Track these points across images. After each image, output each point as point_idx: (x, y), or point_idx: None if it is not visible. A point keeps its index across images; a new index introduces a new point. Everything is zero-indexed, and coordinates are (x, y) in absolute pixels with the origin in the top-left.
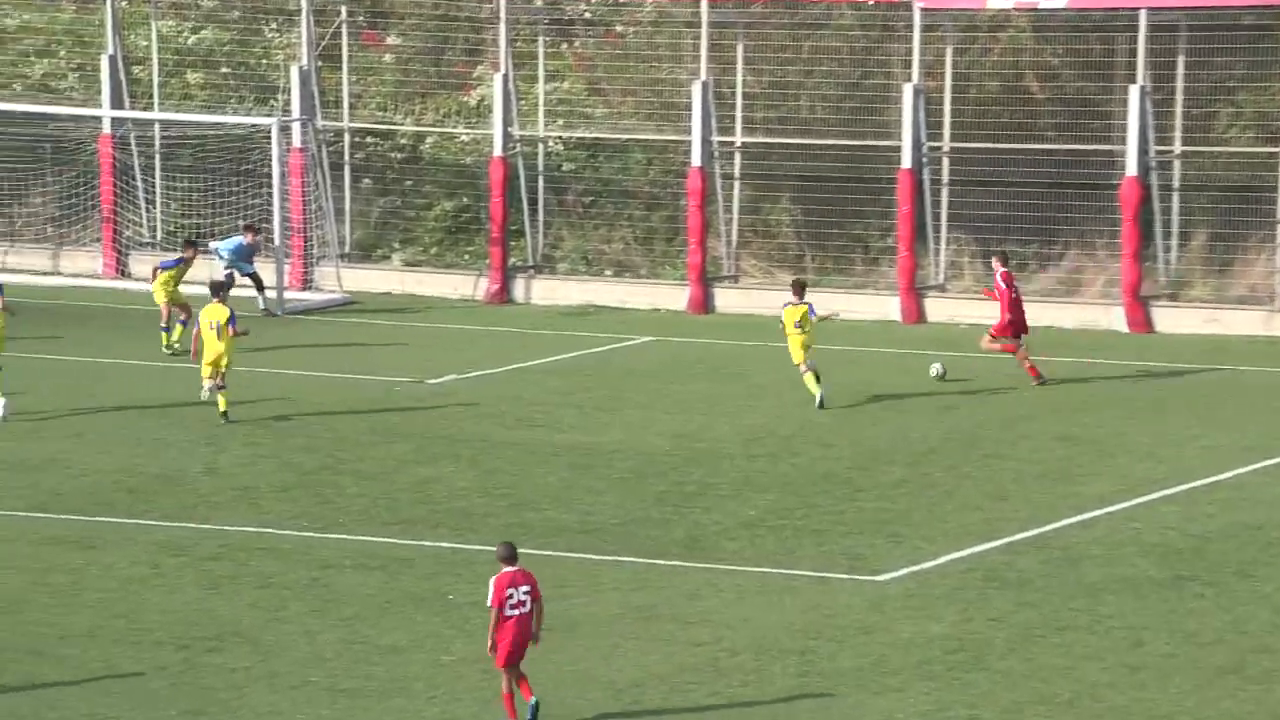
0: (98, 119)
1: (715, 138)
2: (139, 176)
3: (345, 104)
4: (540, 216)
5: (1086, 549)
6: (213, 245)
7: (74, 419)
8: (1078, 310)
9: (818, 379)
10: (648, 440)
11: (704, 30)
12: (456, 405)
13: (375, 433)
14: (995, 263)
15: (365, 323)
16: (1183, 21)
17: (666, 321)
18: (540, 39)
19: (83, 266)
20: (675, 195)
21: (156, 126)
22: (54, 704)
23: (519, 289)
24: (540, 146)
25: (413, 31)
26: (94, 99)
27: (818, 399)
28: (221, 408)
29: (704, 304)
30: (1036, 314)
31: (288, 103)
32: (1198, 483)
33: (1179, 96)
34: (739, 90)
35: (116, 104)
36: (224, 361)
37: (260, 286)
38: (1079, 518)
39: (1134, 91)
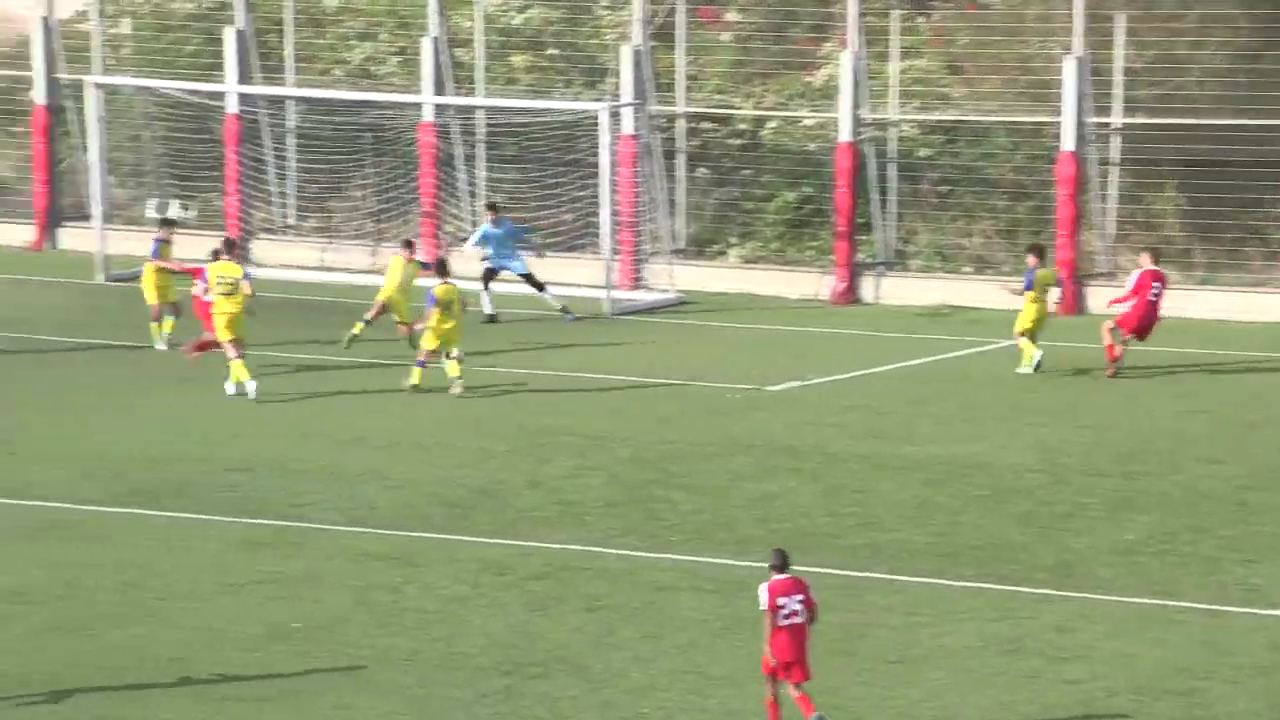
0: (418, 106)
1: (1090, 119)
2: (460, 167)
3: (680, 87)
4: (891, 208)
5: None
6: (466, 249)
7: (391, 427)
8: None
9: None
10: (1010, 454)
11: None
12: (798, 414)
13: (710, 444)
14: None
15: (699, 324)
16: None
17: None
18: (894, 12)
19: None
20: (1044, 184)
21: (480, 113)
22: None
23: (867, 288)
24: (892, 131)
25: (754, 7)
26: (415, 85)
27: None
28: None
29: (1075, 304)
30: None
31: (618, 86)
32: None
33: None
34: (1118, 66)
35: (438, 90)
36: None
37: (540, 286)
38: None
39: None
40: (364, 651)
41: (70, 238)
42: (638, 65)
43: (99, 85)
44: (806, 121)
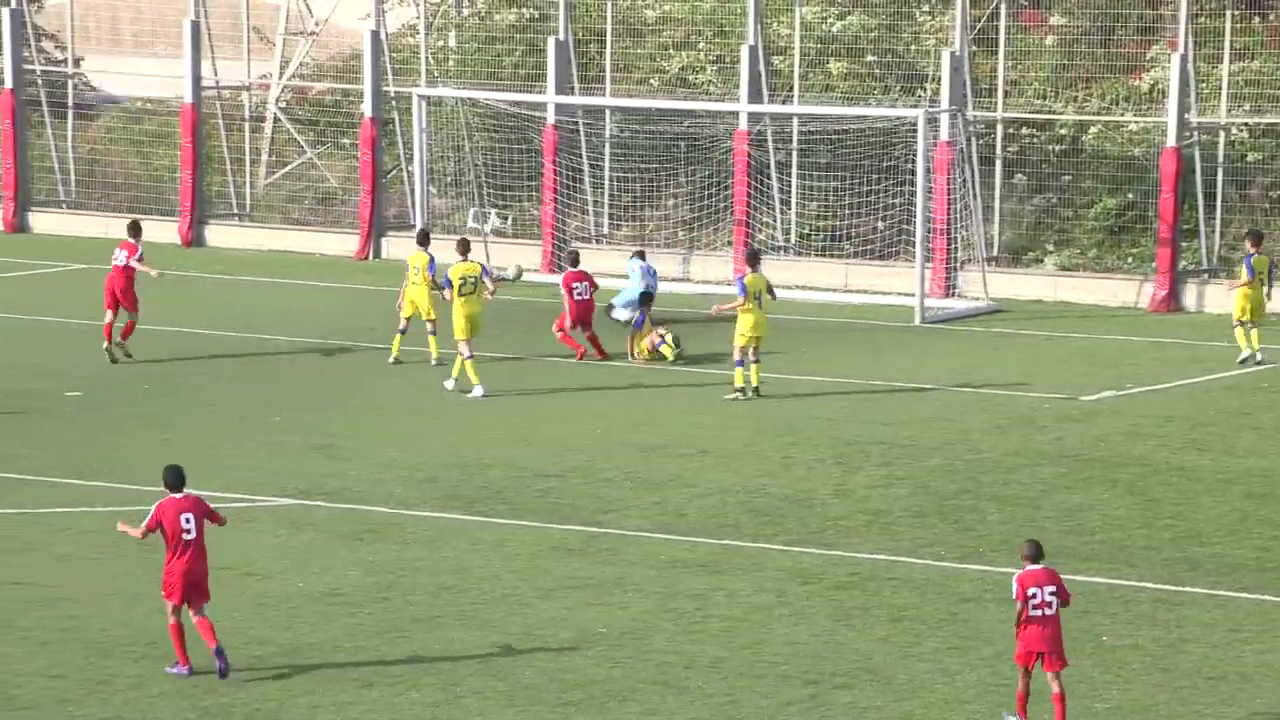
0: (734, 114)
1: None
2: (774, 175)
3: (999, 92)
4: (1218, 214)
5: None
6: (615, 312)
7: (698, 435)
8: None
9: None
10: None
11: None
12: (1113, 425)
13: (1021, 454)
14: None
15: (1012, 333)
16: None
17: None
18: (1228, 12)
19: (714, 272)
20: None
21: (795, 121)
22: None
23: (1189, 295)
24: (1221, 135)
25: (1080, 10)
26: (731, 93)
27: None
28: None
29: None
30: None
31: (936, 92)
32: None
33: None
34: None
35: (754, 98)
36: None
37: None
38: None
39: None
40: (669, 658)
41: (393, 246)
42: (956, 71)
43: (424, 97)
44: (1131, 126)
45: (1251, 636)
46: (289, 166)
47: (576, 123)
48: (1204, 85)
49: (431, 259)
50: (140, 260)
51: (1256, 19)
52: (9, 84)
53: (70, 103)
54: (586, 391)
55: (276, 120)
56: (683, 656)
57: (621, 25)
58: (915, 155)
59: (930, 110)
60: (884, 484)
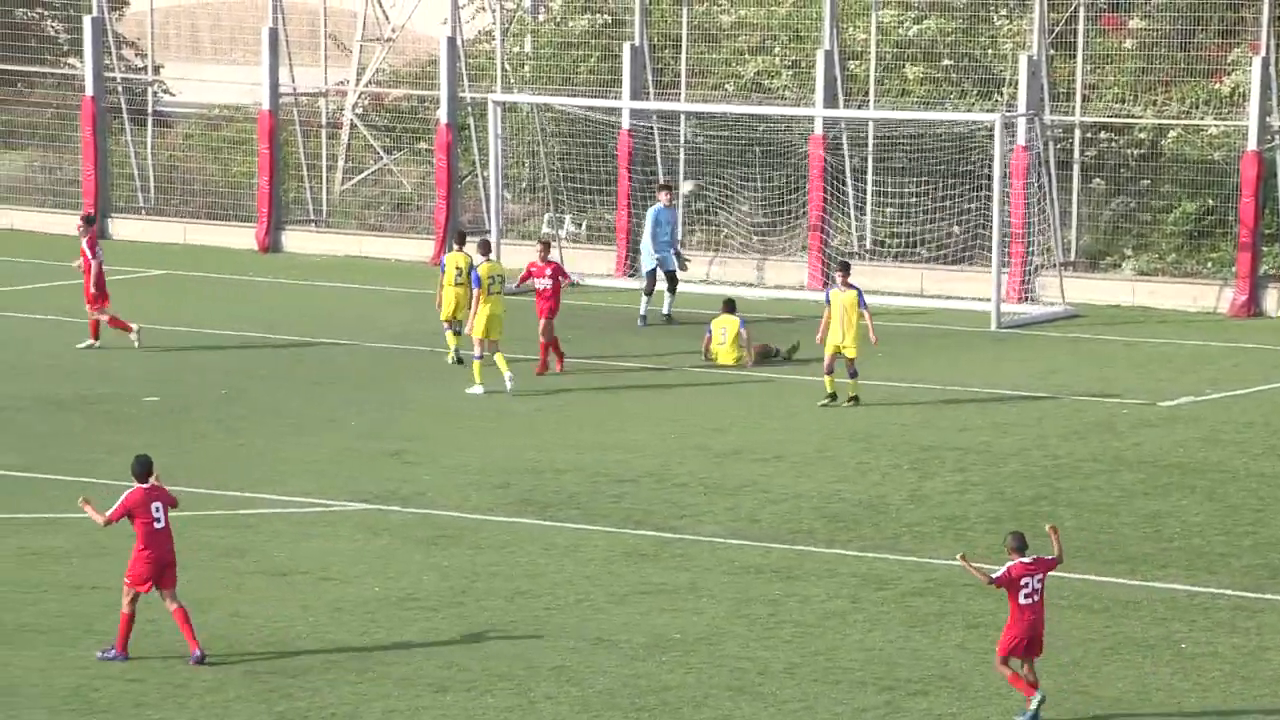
0: (809, 120)
1: None
2: (849, 181)
3: (1078, 96)
4: None
5: None
6: (644, 249)
7: (771, 440)
8: None
9: None
10: None
11: None
12: (1192, 431)
13: (1098, 460)
14: None
15: (1089, 338)
16: None
17: None
18: None
19: (788, 278)
20: None
21: (870, 125)
22: None
23: (1269, 300)
24: None
25: (1160, 13)
26: (807, 98)
27: None
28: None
29: None
30: None
31: (1013, 96)
32: None
33: None
34: None
35: (830, 103)
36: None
37: (674, 286)
38: None
39: None
40: (743, 664)
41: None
42: (1034, 74)
43: (499, 103)
44: (1211, 130)
45: None
46: (365, 172)
47: (651, 128)
48: None
49: (472, 265)
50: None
51: None
52: (90, 91)
53: (150, 110)
54: (659, 396)
55: (353, 126)
56: (756, 663)
57: (696, 30)
58: (992, 160)
59: (1007, 115)
60: (959, 490)
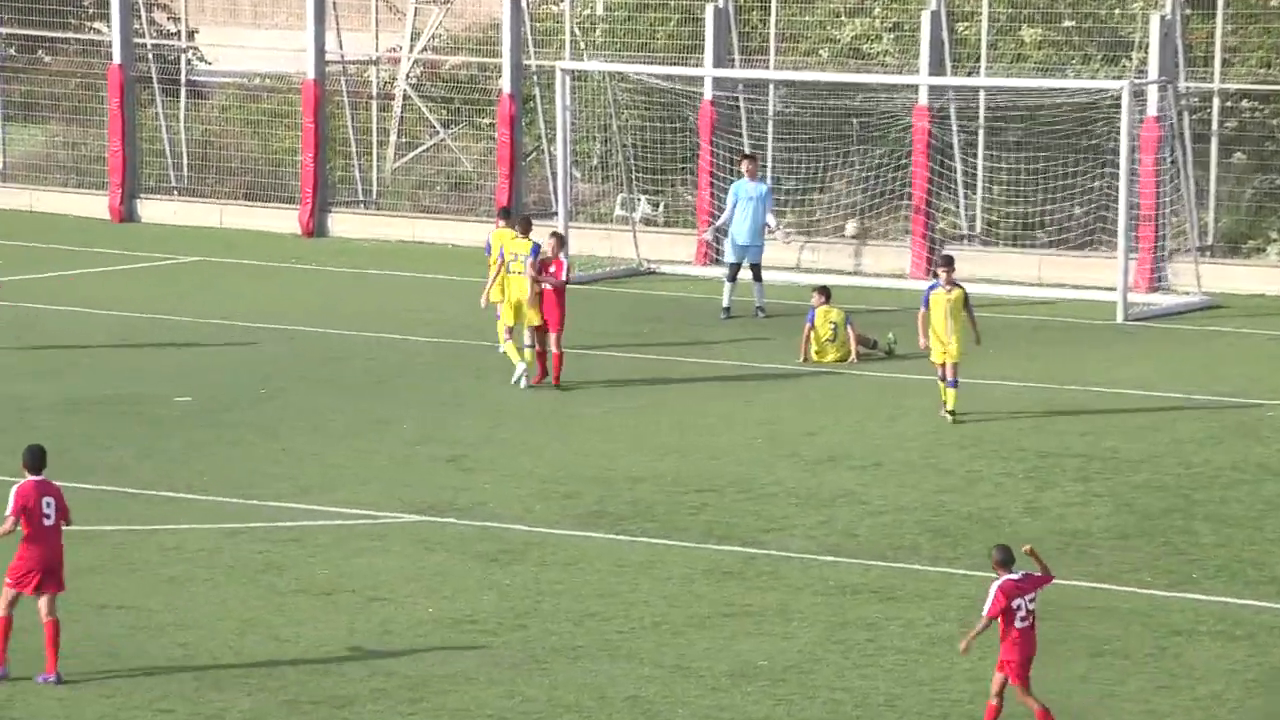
0: (913, 88)
1: None
2: (957, 157)
3: (1217, 60)
4: None
5: None
6: (772, 224)
7: (870, 445)
8: None
9: None
10: None
11: None
12: None
13: (1240, 469)
14: None
15: (1229, 331)
16: None
17: None
18: None
19: (887, 265)
20: None
21: (982, 95)
22: None
23: None
24: None
25: None
26: (910, 64)
27: None
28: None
29: None
30: None
31: (1143, 61)
32: None
33: None
34: None
35: (936, 69)
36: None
37: (758, 275)
38: None
39: None
40: (838, 695)
41: (536, 235)
42: (1167, 37)
43: (568, 71)
44: None
45: None
46: (419, 148)
47: (736, 99)
48: None
49: (535, 246)
50: None
51: None
52: (117, 59)
53: (183, 80)
54: (745, 396)
55: (406, 98)
56: (853, 694)
57: None
58: (1119, 132)
59: (1136, 82)
60: (1082, 501)
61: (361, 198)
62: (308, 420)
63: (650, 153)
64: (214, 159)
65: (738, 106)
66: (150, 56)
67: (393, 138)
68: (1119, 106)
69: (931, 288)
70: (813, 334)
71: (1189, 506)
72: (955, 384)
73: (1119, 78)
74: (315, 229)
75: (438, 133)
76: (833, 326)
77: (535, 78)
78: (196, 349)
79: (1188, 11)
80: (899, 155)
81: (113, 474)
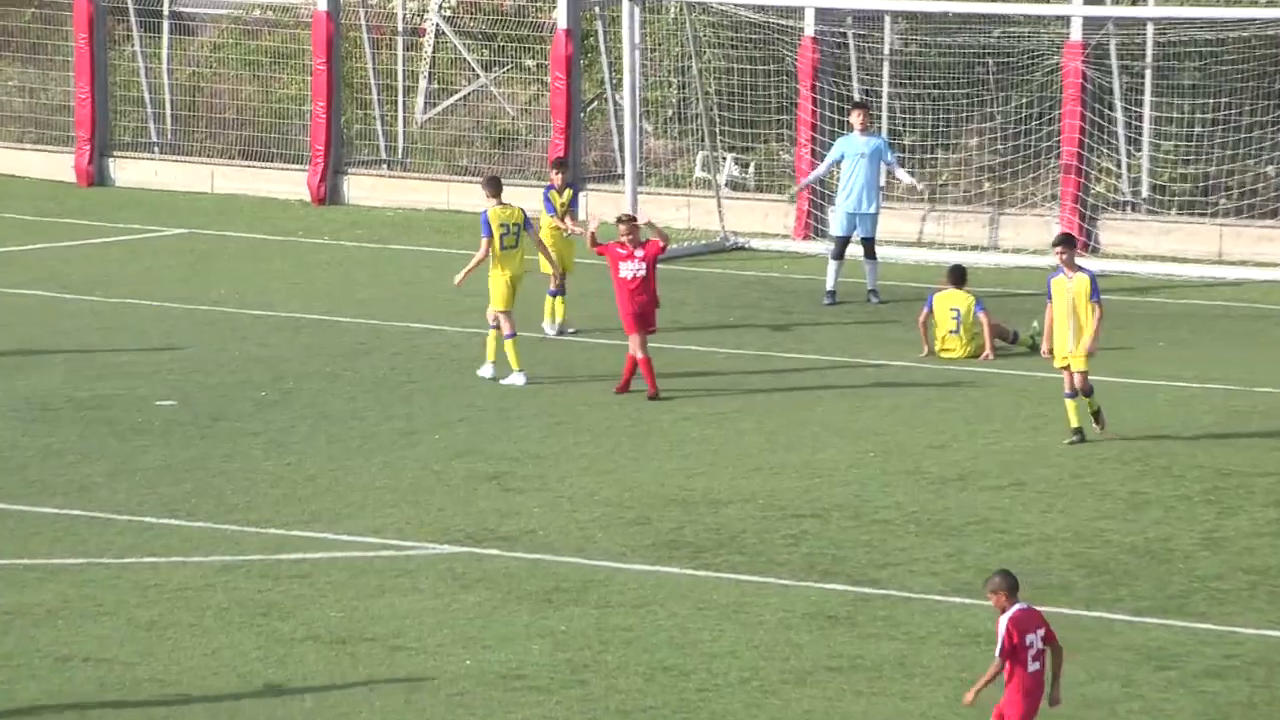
0: (1063, 21)
1: None
2: (1118, 104)
3: None
4: None
5: None
6: (898, 172)
7: (1005, 461)
8: None
9: None
10: None
11: None
12: None
13: None
14: None
15: None
16: None
17: None
18: None
19: (1030, 238)
20: None
21: (1149, 29)
22: None
23: None
24: None
25: None
26: None
27: None
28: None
29: None
30: None
31: None
32: None
33: None
34: None
35: None
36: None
37: (872, 253)
38: None
39: None
40: None
41: (594, 202)
42: None
43: (637, 2)
44: None
45: None
46: (455, 96)
47: (843, 34)
48: None
49: (575, 192)
50: None
51: None
52: None
53: (166, 11)
54: (854, 399)
55: (439, 34)
56: None
57: None
58: None
59: None
60: (1274, 532)
61: (385, 156)
62: (319, 429)
63: (738, 102)
64: (204, 109)
65: (846, 44)
66: None
67: (422, 83)
68: None
69: (1052, 275)
70: (931, 323)
71: None
72: (1078, 394)
73: None
74: (328, 195)
75: (477, 77)
76: (955, 315)
77: (597, 10)
78: (182, 340)
79: None
80: (1045, 104)
81: (79, 495)
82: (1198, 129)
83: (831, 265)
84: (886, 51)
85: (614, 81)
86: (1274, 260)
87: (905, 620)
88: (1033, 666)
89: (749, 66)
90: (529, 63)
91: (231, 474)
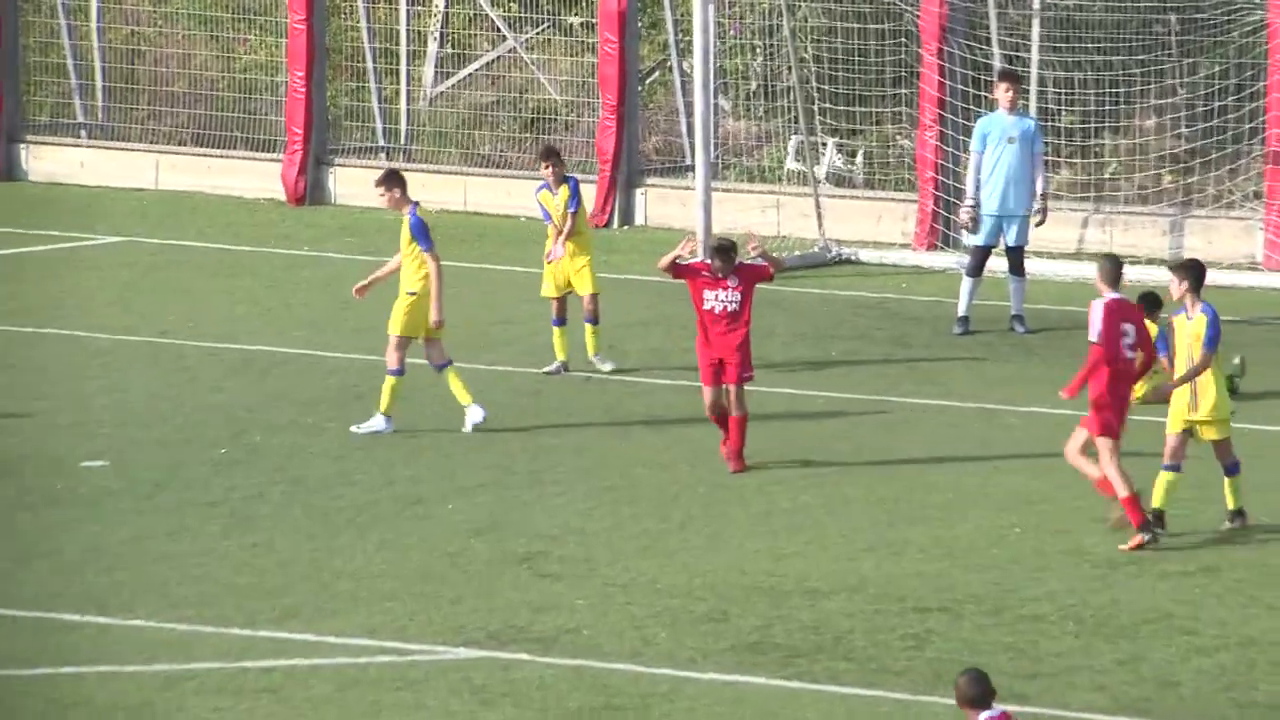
0: None
1: None
2: None
3: None
4: None
5: None
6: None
7: (1202, 540)
8: None
9: None
10: None
11: None
12: None
13: None
14: None
15: None
16: None
17: None
18: None
19: (1225, 248)
20: None
21: None
22: None
23: None
24: None
25: None
26: None
27: None
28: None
29: None
30: None
31: None
32: None
33: None
34: None
35: None
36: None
37: (1019, 266)
38: None
39: None
40: None
41: (655, 202)
42: None
43: None
44: None
45: None
46: (475, 65)
47: None
48: None
49: (573, 187)
50: None
51: None
52: None
53: None
54: (994, 456)
55: None
56: None
57: None
58: None
59: None
60: None
61: (382, 143)
62: (294, 499)
63: (843, 71)
64: (145, 81)
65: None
66: None
67: (432, 47)
68: None
69: (1176, 313)
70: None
71: None
72: (1234, 469)
73: None
74: (308, 192)
75: (504, 40)
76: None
77: None
78: (117, 383)
79: None
80: (1246, 72)
81: None
82: None
83: (966, 284)
84: (1036, 5)
85: (681, 46)
86: None
87: None
88: None
89: (856, 26)
90: (572, 20)
91: (180, 558)
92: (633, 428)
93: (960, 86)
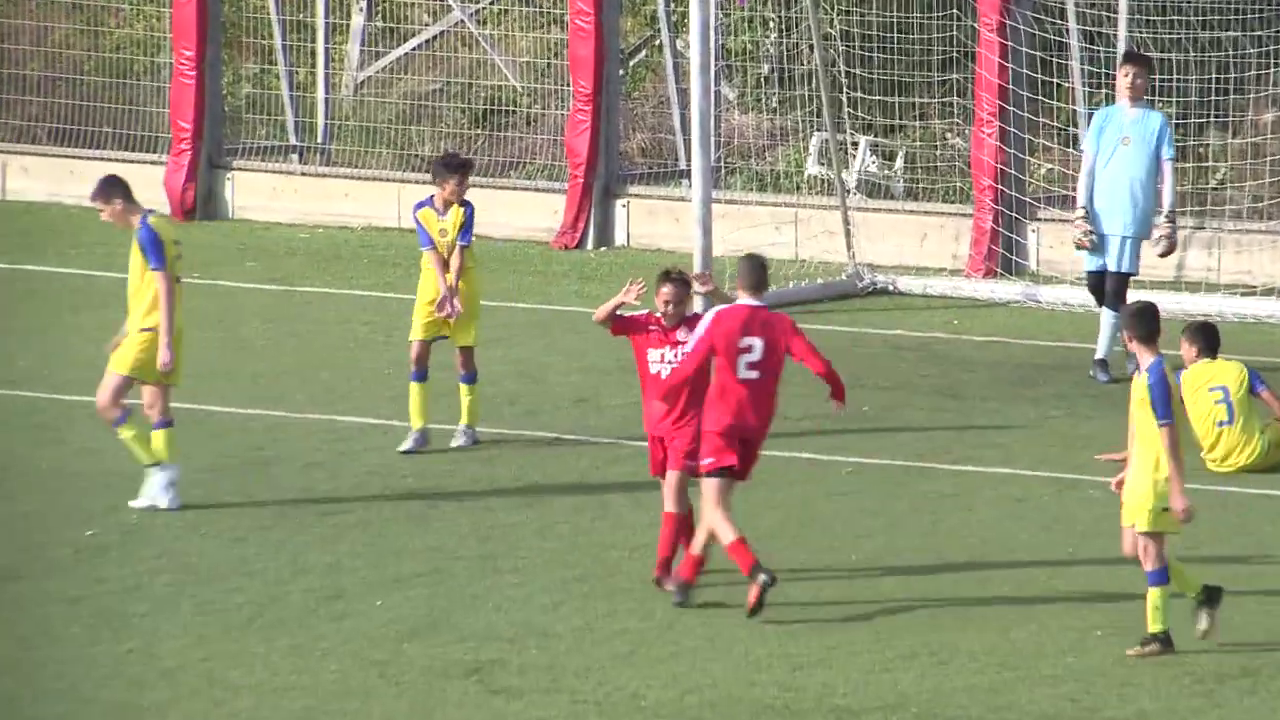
0: None
1: None
2: None
3: None
4: None
5: None
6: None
7: None
8: None
9: None
10: None
11: None
12: None
13: None
14: None
15: None
16: None
17: None
18: None
19: None
20: None
21: None
22: None
23: None
24: None
25: None
26: None
27: None
28: None
29: None
30: None
31: None
32: None
33: None
34: None
35: None
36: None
37: (1116, 305)
38: None
39: None
40: None
41: (642, 219)
42: None
43: None
44: None
45: None
46: (411, 43)
47: None
48: None
49: (469, 215)
50: None
51: None
52: None
53: None
54: (1067, 540)
55: None
56: None
57: None
58: None
59: None
60: None
61: (295, 141)
62: (181, 593)
63: (879, 53)
64: None
65: None
66: None
67: (358, 21)
68: None
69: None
70: (1186, 413)
71: None
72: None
73: None
74: (198, 203)
75: (449, 10)
76: (1222, 397)
77: None
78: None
79: None
80: None
81: None
82: None
83: (1104, 319)
84: None
85: (673, 20)
86: None
87: None
88: None
89: (885, 9)
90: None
91: (33, 669)
92: (609, 500)
93: (1026, 72)
